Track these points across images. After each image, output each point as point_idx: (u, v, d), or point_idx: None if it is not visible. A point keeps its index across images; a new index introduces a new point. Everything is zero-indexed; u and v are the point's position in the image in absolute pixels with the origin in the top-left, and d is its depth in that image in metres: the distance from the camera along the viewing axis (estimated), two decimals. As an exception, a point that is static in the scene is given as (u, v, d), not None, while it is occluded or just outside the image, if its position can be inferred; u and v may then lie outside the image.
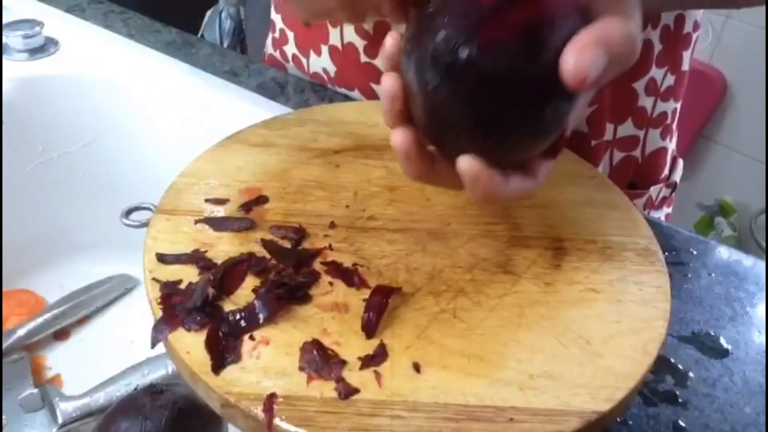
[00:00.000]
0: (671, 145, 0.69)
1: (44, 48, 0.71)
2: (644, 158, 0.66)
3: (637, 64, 0.60)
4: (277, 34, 0.75)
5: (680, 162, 0.72)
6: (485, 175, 0.33)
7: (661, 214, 0.71)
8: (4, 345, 0.58)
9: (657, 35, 0.60)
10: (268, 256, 0.39)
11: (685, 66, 0.65)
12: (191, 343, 0.34)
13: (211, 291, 0.36)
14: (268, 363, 0.34)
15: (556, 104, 0.33)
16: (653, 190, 0.67)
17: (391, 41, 0.36)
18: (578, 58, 0.30)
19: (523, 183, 0.35)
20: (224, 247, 0.40)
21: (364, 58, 0.64)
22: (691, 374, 0.44)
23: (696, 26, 0.64)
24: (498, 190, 0.34)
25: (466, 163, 0.33)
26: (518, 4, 0.32)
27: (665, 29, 0.60)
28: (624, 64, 0.32)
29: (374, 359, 0.34)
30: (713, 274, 0.51)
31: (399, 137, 0.35)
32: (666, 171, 0.70)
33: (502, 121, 0.34)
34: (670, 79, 0.64)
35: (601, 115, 0.61)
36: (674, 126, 0.69)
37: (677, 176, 0.71)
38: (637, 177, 0.67)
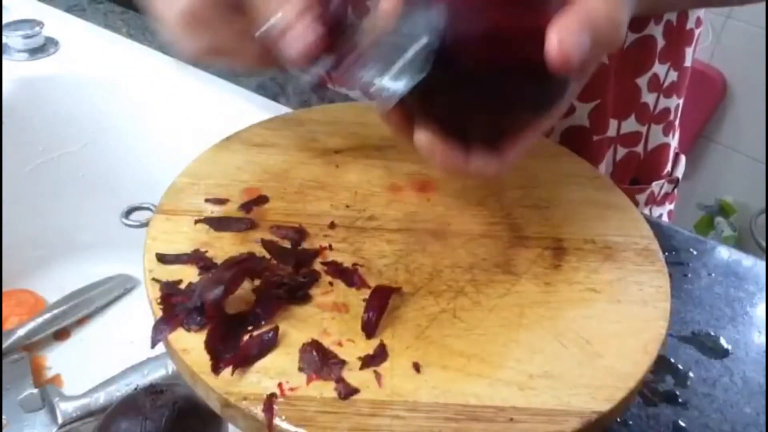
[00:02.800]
0: (673, 141, 0.69)
1: (44, 48, 0.71)
2: (646, 154, 0.66)
3: (641, 60, 0.61)
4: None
5: (682, 158, 0.72)
6: (442, 151, 0.34)
7: (663, 211, 0.71)
8: (4, 345, 0.58)
9: (660, 31, 0.60)
10: (268, 256, 0.39)
11: (688, 62, 0.65)
12: (191, 343, 0.34)
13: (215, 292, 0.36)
14: (268, 363, 0.34)
15: (539, 87, 0.33)
16: (655, 186, 0.67)
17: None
18: (563, 40, 0.30)
19: (487, 160, 0.35)
20: (224, 247, 0.40)
21: None
22: (691, 374, 0.44)
23: (698, 22, 0.64)
24: (457, 164, 0.35)
25: (422, 138, 0.34)
26: None
27: (668, 25, 0.60)
28: (608, 46, 0.32)
29: (374, 359, 0.34)
30: (713, 274, 0.51)
31: (423, 136, 0.35)
32: (668, 167, 0.70)
33: (482, 104, 0.34)
34: (673, 75, 0.64)
35: (603, 111, 0.61)
36: (677, 122, 0.69)
37: (679, 172, 0.71)
38: (639, 173, 0.67)
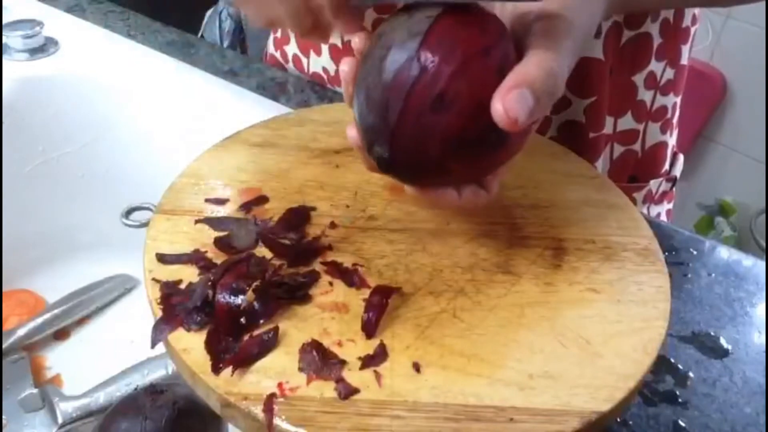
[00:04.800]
0: (671, 139, 0.69)
1: (44, 48, 0.71)
2: (644, 152, 0.66)
3: (637, 58, 0.61)
4: (278, 34, 0.75)
5: (680, 157, 0.72)
6: (433, 196, 0.37)
7: (661, 210, 0.71)
8: (4, 345, 0.58)
9: (656, 28, 0.60)
10: (268, 255, 0.39)
11: (684, 60, 0.65)
12: (191, 343, 0.34)
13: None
14: (268, 363, 0.34)
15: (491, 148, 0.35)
16: (653, 184, 0.67)
17: (356, 40, 0.38)
18: (504, 102, 0.31)
19: (477, 195, 0.38)
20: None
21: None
22: (691, 374, 0.44)
23: (694, 20, 0.64)
24: (450, 203, 0.37)
25: (410, 191, 0.37)
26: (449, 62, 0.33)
27: (665, 23, 0.60)
28: (551, 98, 0.34)
29: (374, 359, 0.34)
30: (713, 274, 0.51)
31: (350, 133, 0.38)
32: (666, 166, 0.70)
33: (443, 167, 0.35)
34: (670, 73, 0.64)
35: (599, 108, 0.61)
36: (674, 121, 0.69)
37: (677, 171, 0.71)
38: (637, 171, 0.67)
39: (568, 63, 0.35)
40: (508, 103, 0.31)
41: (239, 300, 0.35)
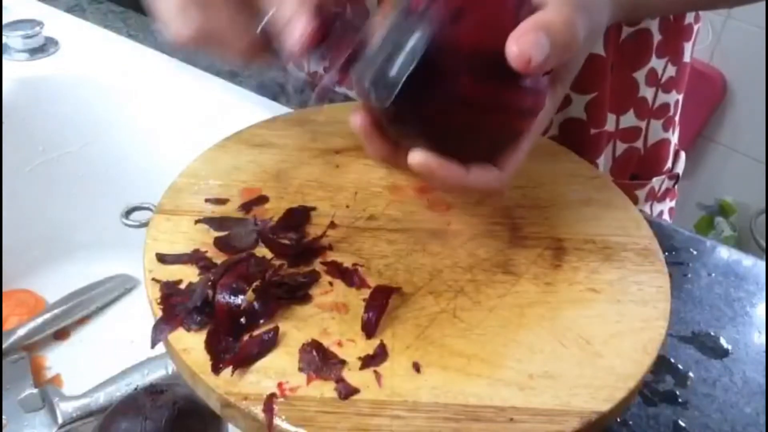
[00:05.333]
0: (673, 137, 0.69)
1: (44, 48, 0.71)
2: (646, 150, 0.66)
3: (637, 54, 0.61)
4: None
5: (683, 155, 0.72)
6: (439, 168, 0.34)
7: (664, 207, 0.71)
8: (4, 345, 0.58)
9: (656, 25, 0.60)
10: (268, 255, 0.39)
11: (687, 57, 0.65)
12: (191, 343, 0.34)
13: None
14: (268, 363, 0.34)
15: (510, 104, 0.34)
16: (655, 181, 0.67)
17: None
18: (520, 41, 0.31)
19: (486, 175, 0.36)
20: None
21: None
22: (691, 374, 0.44)
23: (697, 18, 0.64)
24: (458, 181, 0.35)
25: (417, 158, 0.34)
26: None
27: (665, 19, 0.60)
28: (566, 49, 0.33)
29: (374, 359, 0.34)
30: (713, 274, 0.51)
31: (358, 120, 0.36)
32: (669, 163, 0.70)
33: (457, 136, 0.35)
34: (671, 70, 0.64)
35: (600, 104, 0.61)
36: (677, 118, 0.69)
37: (680, 168, 0.71)
38: (639, 168, 0.67)
39: (583, 24, 0.35)
40: (523, 44, 0.31)
41: (239, 300, 0.35)
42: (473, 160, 0.36)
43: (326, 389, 0.33)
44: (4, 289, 0.65)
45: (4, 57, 0.70)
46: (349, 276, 0.39)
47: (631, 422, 0.41)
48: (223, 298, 0.35)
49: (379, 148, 0.37)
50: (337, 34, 0.38)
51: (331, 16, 0.38)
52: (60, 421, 0.51)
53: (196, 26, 0.38)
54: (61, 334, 0.63)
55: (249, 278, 0.36)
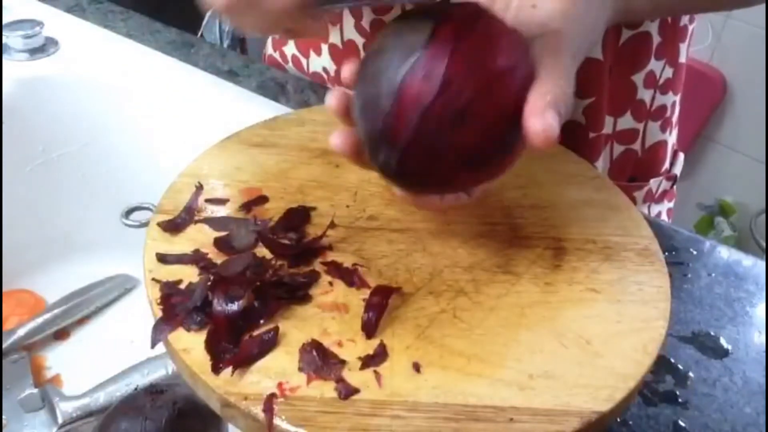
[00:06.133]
0: (671, 138, 0.69)
1: (44, 48, 0.71)
2: (644, 151, 0.66)
3: (636, 57, 0.61)
4: (277, 35, 0.75)
5: (681, 156, 0.72)
6: (417, 200, 0.39)
7: (662, 209, 0.71)
8: (4, 345, 0.58)
9: (656, 28, 0.60)
10: (268, 255, 0.39)
11: (683, 58, 0.65)
12: (191, 343, 0.34)
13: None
14: (268, 363, 0.34)
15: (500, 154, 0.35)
16: (653, 183, 0.67)
17: (347, 70, 0.38)
18: (544, 123, 0.32)
19: (458, 198, 0.39)
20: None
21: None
22: (691, 374, 0.44)
23: (692, 18, 0.64)
24: (433, 207, 0.40)
25: (398, 192, 0.39)
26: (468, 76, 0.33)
27: (663, 21, 0.60)
28: (567, 116, 0.35)
29: (374, 359, 0.34)
30: (713, 274, 0.51)
31: (336, 140, 0.38)
32: (666, 164, 0.70)
33: (449, 179, 0.36)
34: (669, 72, 0.64)
35: (599, 108, 0.61)
36: (674, 119, 0.69)
37: (678, 169, 0.71)
38: (637, 170, 0.67)
39: (572, 79, 0.36)
40: (546, 124, 0.32)
41: (236, 307, 0.35)
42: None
43: (326, 389, 0.33)
44: (4, 289, 0.65)
45: (4, 57, 0.70)
46: (349, 276, 0.39)
47: (631, 422, 0.41)
48: (220, 305, 0.35)
49: (360, 164, 0.39)
50: None
51: None
52: (60, 421, 0.51)
53: (255, 28, 0.41)
54: (61, 334, 0.63)
55: (247, 282, 0.36)
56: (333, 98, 0.38)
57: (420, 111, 0.32)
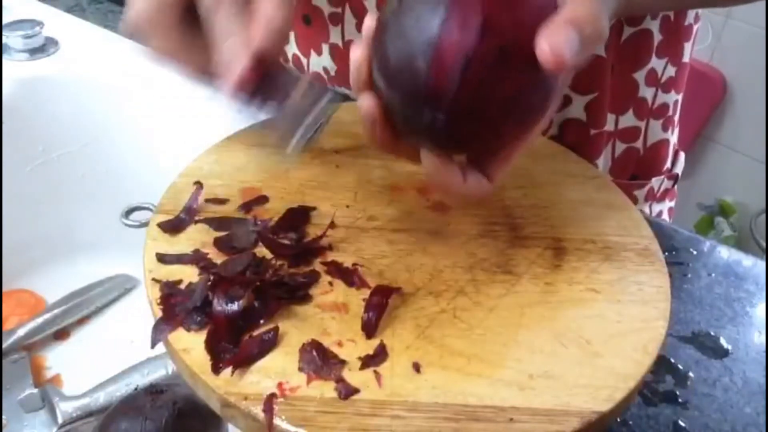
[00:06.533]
0: (673, 137, 0.69)
1: (44, 48, 0.71)
2: (646, 150, 0.66)
3: (638, 54, 0.61)
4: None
5: (682, 155, 0.72)
6: (443, 169, 0.35)
7: (663, 208, 0.71)
8: (4, 345, 0.58)
9: (657, 25, 0.60)
10: (268, 255, 0.39)
11: (686, 58, 0.65)
12: (191, 343, 0.34)
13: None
14: (268, 363, 0.34)
15: (529, 96, 0.34)
16: (655, 182, 0.67)
17: (368, 23, 0.36)
18: (551, 40, 0.31)
19: (480, 184, 0.37)
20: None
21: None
22: (691, 374, 0.44)
23: (696, 18, 0.64)
24: (455, 186, 0.36)
25: (427, 160, 0.35)
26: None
27: (665, 19, 0.60)
28: (594, 43, 0.33)
29: (374, 359, 0.34)
30: (713, 274, 0.51)
31: (366, 102, 0.36)
32: (668, 163, 0.70)
33: (495, 130, 0.34)
34: (671, 71, 0.64)
35: (600, 105, 0.61)
36: (676, 118, 0.69)
37: (679, 169, 0.71)
38: (638, 168, 0.67)
39: (607, 14, 0.34)
40: (555, 42, 0.30)
41: (235, 307, 0.35)
42: (470, 161, 0.37)
43: (326, 389, 0.33)
44: (4, 289, 0.65)
45: (4, 57, 0.70)
46: (349, 276, 0.39)
47: (631, 422, 0.41)
48: (220, 306, 0.35)
49: (381, 135, 0.37)
50: (273, 82, 0.39)
51: (269, 65, 0.38)
52: (60, 421, 0.51)
53: (153, 45, 0.40)
54: (61, 334, 0.63)
55: (247, 282, 0.36)
56: (367, 103, 0.36)
57: (463, 61, 0.31)
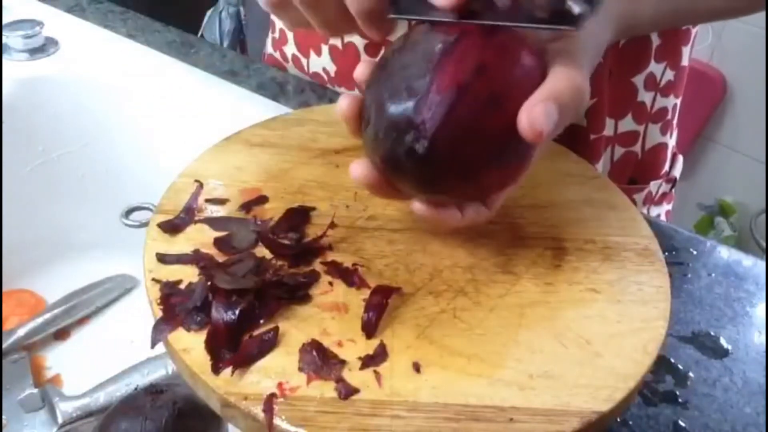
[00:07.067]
0: (671, 141, 0.69)
1: (44, 48, 0.71)
2: (644, 154, 0.66)
3: (636, 59, 0.61)
4: (276, 35, 0.75)
5: (680, 158, 0.72)
6: (437, 215, 0.36)
7: (661, 211, 0.71)
8: (4, 345, 0.58)
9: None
10: (268, 255, 0.39)
11: (685, 61, 0.65)
12: (191, 343, 0.34)
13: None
14: (268, 363, 0.34)
15: (509, 158, 0.35)
16: (653, 185, 0.67)
17: (361, 69, 0.37)
18: (532, 114, 0.32)
19: (478, 213, 0.38)
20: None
21: (364, 58, 0.64)
22: (691, 374, 0.44)
23: None
24: (454, 223, 0.37)
25: (418, 208, 0.36)
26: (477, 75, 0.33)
27: None
28: (574, 113, 0.34)
29: (374, 359, 0.34)
30: (713, 274, 0.51)
31: (357, 172, 0.37)
32: (666, 167, 0.70)
33: (473, 173, 0.35)
34: (670, 75, 0.64)
35: (600, 110, 0.61)
36: (674, 122, 0.69)
37: (677, 172, 0.71)
38: (637, 172, 0.67)
39: (588, 73, 0.36)
40: (534, 117, 0.32)
41: (235, 314, 0.35)
42: (467, 199, 0.38)
43: (326, 389, 0.33)
44: (4, 289, 0.65)
45: (4, 57, 0.70)
46: (349, 276, 0.39)
47: (631, 422, 0.41)
48: (218, 314, 0.35)
49: (381, 192, 0.38)
50: None
51: None
52: (60, 421, 0.51)
53: (296, 24, 0.41)
54: (61, 334, 0.63)
55: (245, 292, 0.36)
56: (345, 102, 0.37)
57: (455, 92, 0.32)
